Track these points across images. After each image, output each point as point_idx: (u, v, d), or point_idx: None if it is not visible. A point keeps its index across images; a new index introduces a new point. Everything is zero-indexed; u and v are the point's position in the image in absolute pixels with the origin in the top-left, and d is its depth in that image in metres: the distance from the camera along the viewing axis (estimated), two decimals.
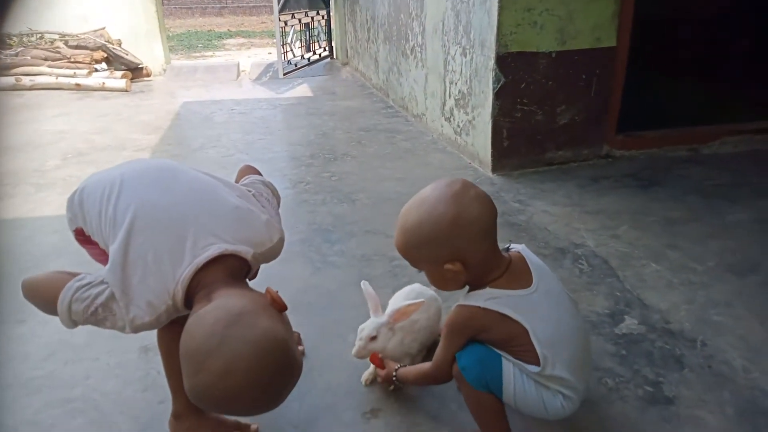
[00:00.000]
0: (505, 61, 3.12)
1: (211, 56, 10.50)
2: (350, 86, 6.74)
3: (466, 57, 3.51)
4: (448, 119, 3.96)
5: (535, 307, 1.19)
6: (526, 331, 1.16)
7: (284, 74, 6.69)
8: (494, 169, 3.33)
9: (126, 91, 6.46)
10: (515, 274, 1.20)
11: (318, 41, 7.91)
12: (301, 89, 6.57)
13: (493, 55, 3.11)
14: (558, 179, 3.26)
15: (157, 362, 1.73)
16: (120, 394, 1.62)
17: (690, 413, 1.49)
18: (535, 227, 2.65)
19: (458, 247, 1.13)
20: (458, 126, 3.77)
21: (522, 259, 1.24)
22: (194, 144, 4.34)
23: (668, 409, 1.51)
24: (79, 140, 4.47)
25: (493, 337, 1.22)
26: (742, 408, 1.50)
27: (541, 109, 3.28)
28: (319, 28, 7.93)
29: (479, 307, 1.16)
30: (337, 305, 2.06)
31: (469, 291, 1.24)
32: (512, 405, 1.25)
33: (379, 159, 3.83)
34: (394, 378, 1.50)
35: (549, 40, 3.15)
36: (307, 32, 7.46)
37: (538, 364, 1.18)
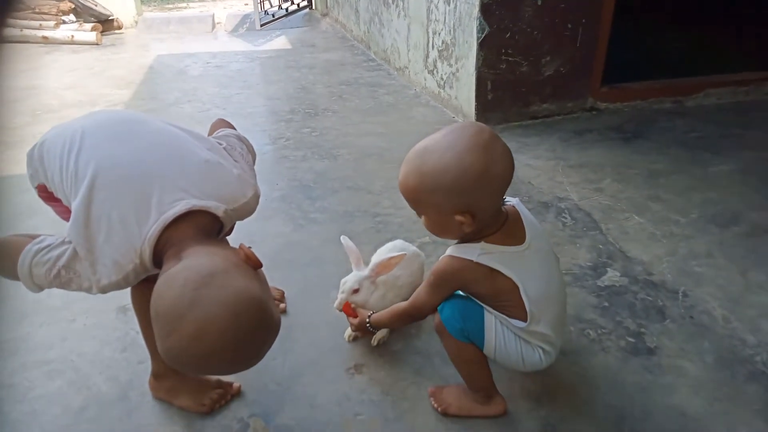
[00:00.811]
0: (489, 9, 3.02)
1: (185, 7, 10.07)
2: (330, 38, 6.54)
3: (449, 5, 3.39)
4: (431, 72, 3.86)
5: (527, 264, 1.17)
6: (517, 288, 1.16)
7: (261, 25, 6.45)
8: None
9: (96, 44, 6.19)
10: (510, 230, 1.18)
11: None
12: (280, 41, 6.35)
13: (477, 3, 3.01)
14: (542, 133, 3.21)
15: (135, 322, 1.69)
16: (98, 355, 1.59)
17: (671, 363, 1.51)
18: (519, 181, 2.62)
19: (476, 199, 1.07)
20: (441, 79, 3.68)
21: (517, 215, 1.22)
22: (169, 99, 4.19)
23: (650, 359, 1.52)
24: (49, 96, 4.29)
25: (480, 291, 1.21)
26: (721, 356, 1.52)
27: (526, 60, 3.21)
28: None
29: (472, 261, 1.13)
30: (319, 262, 2.03)
31: (460, 242, 1.20)
32: (491, 357, 1.26)
33: (360, 114, 3.74)
34: (367, 324, 1.48)
35: None
36: None
37: (524, 319, 1.18)
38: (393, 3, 4.53)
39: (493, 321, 1.22)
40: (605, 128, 3.26)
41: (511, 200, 1.25)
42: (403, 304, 1.35)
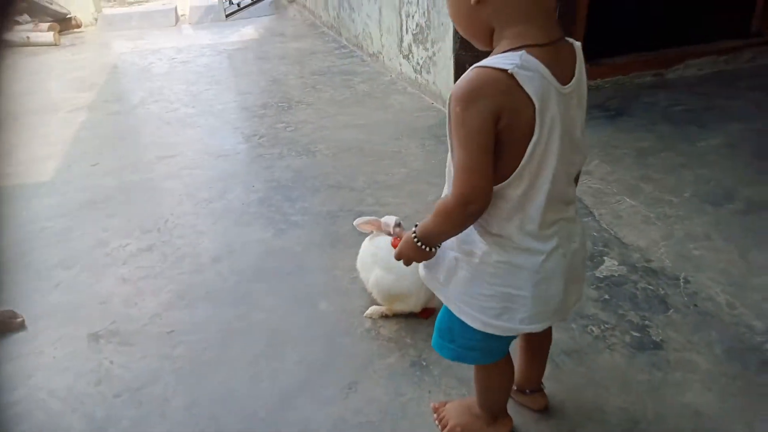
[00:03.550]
0: None
1: (147, 1, 9.73)
2: (299, 26, 6.34)
3: None
4: (406, 57, 3.73)
5: (561, 110, 0.85)
6: (530, 136, 0.83)
7: (227, 16, 6.24)
8: None
9: (55, 45, 5.91)
10: (561, 57, 0.86)
11: None
12: (247, 31, 6.15)
13: None
14: None
15: (110, 351, 1.59)
16: (71, 391, 1.47)
17: (679, 357, 1.44)
18: None
19: None
20: (418, 64, 3.56)
21: (572, 51, 0.90)
22: (134, 99, 4.00)
23: (657, 354, 1.45)
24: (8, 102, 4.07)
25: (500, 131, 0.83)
26: (730, 346, 1.46)
27: None
28: None
29: (506, 70, 0.80)
30: (303, 270, 1.92)
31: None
32: (481, 324, 1.00)
33: (336, 105, 3.61)
34: (415, 240, 0.99)
35: None
36: None
37: (505, 178, 0.87)
38: None
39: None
40: (589, 107, 3.09)
41: (571, 40, 0.92)
42: (443, 198, 0.94)
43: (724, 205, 2.10)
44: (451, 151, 0.92)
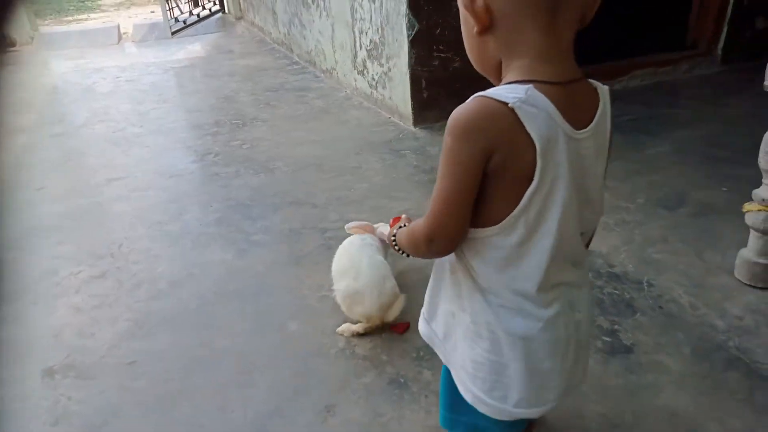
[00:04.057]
0: (417, 5, 2.93)
1: (86, 19, 9.40)
2: (248, 43, 6.27)
3: (374, 3, 3.27)
4: (361, 72, 3.73)
5: (569, 158, 0.74)
6: (528, 182, 0.74)
7: (173, 33, 6.09)
8: (416, 123, 3.19)
9: None
10: (577, 99, 0.76)
11: None
12: (194, 49, 6.03)
13: (404, 0, 2.91)
14: None
15: (66, 386, 1.48)
16: None
17: (650, 359, 1.47)
18: None
19: None
20: (373, 79, 3.57)
21: (594, 95, 0.80)
22: (77, 120, 3.83)
23: (629, 357, 1.47)
24: None
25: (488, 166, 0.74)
26: (697, 346, 1.50)
27: (458, 56, 3.14)
28: None
29: (505, 104, 0.71)
30: (269, 290, 1.86)
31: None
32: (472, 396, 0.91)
33: (291, 121, 3.56)
34: (393, 240, 0.97)
35: None
36: None
37: (497, 222, 0.78)
38: (313, 3, 4.36)
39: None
40: None
41: (596, 83, 0.82)
42: (420, 220, 0.85)
43: (677, 209, 2.18)
44: None
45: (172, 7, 6.28)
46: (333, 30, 4.07)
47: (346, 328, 1.61)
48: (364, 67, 3.65)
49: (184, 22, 6.48)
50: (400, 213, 2.24)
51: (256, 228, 2.26)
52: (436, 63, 3.09)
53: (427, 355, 1.52)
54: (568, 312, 0.84)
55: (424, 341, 1.55)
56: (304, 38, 4.85)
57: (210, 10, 7.23)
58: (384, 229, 1.63)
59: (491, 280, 0.82)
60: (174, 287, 1.90)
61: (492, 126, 0.72)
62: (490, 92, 0.73)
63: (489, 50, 0.79)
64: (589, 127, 0.76)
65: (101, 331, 1.69)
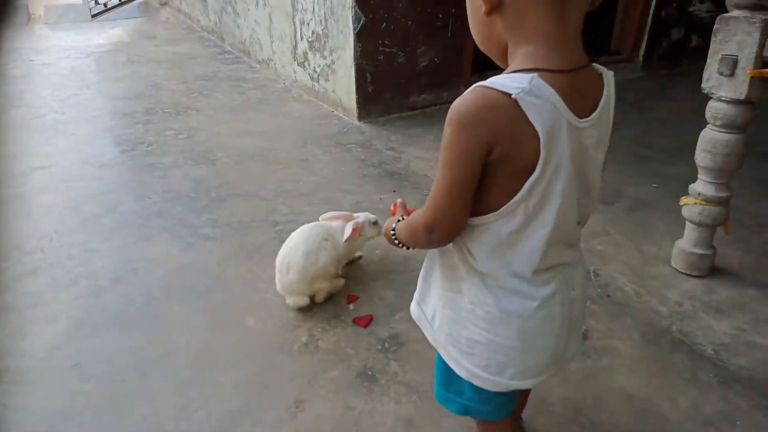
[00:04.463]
0: None
1: None
2: (174, 29, 5.98)
3: None
4: (301, 64, 3.66)
5: (572, 147, 0.74)
6: (530, 171, 0.73)
7: (93, 16, 5.69)
8: (360, 117, 3.17)
9: None
10: (582, 86, 0.75)
11: None
12: (116, 33, 5.67)
13: None
14: (424, 124, 3.20)
15: (1, 392, 1.34)
16: None
17: (604, 344, 1.54)
18: (415, 175, 2.57)
19: None
20: (315, 71, 3.51)
21: (598, 81, 0.79)
22: None
23: (585, 343, 1.54)
24: None
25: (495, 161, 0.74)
26: (644, 331, 1.59)
27: (403, 51, 3.16)
28: None
29: (508, 95, 0.69)
30: (222, 284, 1.79)
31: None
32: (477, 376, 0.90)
33: (229, 111, 3.44)
34: (392, 234, 0.95)
35: None
36: None
37: (497, 207, 0.78)
38: None
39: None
40: None
41: (602, 69, 0.81)
42: (419, 210, 0.86)
43: (614, 203, 2.31)
44: None
45: None
46: (271, 20, 3.97)
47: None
48: (305, 58, 3.59)
49: (105, 5, 6.08)
50: (352, 206, 2.24)
51: (202, 221, 2.15)
52: (382, 57, 3.09)
53: (393, 346, 1.52)
54: (564, 290, 0.85)
55: (388, 333, 1.57)
56: (238, 27, 4.69)
57: None
58: (363, 217, 1.69)
59: (489, 265, 0.82)
60: (116, 283, 1.78)
61: (493, 117, 0.71)
62: (491, 82, 0.71)
63: (496, 32, 0.77)
64: (592, 116, 0.76)
65: (38, 332, 1.55)
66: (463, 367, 0.89)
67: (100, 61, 4.67)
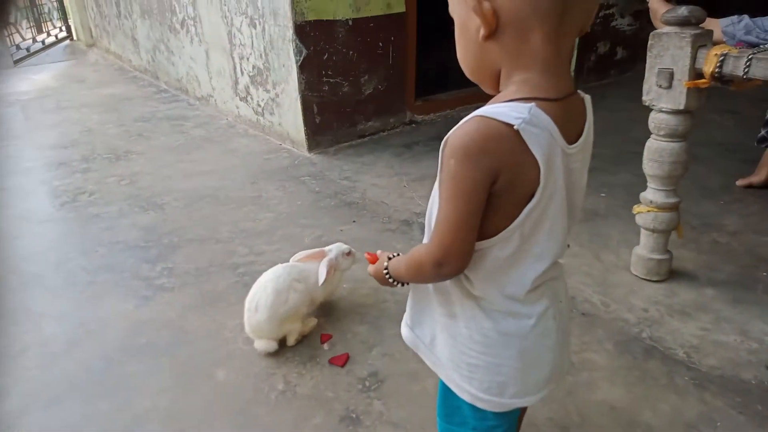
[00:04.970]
0: (303, 31, 2.91)
1: None
2: (105, 71, 5.79)
3: (255, 28, 3.20)
4: (244, 99, 3.61)
5: (564, 174, 0.76)
6: (527, 200, 0.75)
7: (15, 62, 5.43)
8: (310, 148, 3.14)
9: None
10: (570, 113, 0.77)
11: (51, 20, 6.59)
12: (42, 79, 5.43)
13: (290, 25, 2.87)
14: (374, 150, 3.21)
15: None
16: None
17: (581, 358, 1.56)
18: (372, 203, 2.55)
19: None
20: (258, 105, 3.46)
21: (582, 107, 0.81)
22: None
23: None
24: None
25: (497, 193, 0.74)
26: (617, 341, 1.62)
27: (347, 81, 3.17)
28: (49, 5, 6.60)
29: (511, 126, 0.70)
30: (186, 338, 1.70)
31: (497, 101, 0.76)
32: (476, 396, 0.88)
33: (172, 152, 3.33)
34: (385, 272, 0.92)
35: (344, 8, 3.02)
36: (35, 9, 6.15)
37: (494, 234, 0.78)
38: (183, 28, 4.15)
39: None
40: (428, 139, 3.39)
41: (582, 93, 0.83)
42: (420, 249, 0.83)
43: None
44: (436, 199, 0.81)
45: (12, 33, 5.61)
46: (208, 56, 3.90)
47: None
48: (248, 93, 3.54)
49: (27, 49, 5.82)
50: (314, 240, 2.20)
51: (156, 271, 2.05)
52: (326, 88, 3.09)
53: (373, 384, 1.48)
54: (555, 303, 0.87)
55: (367, 371, 1.53)
56: (173, 65, 4.59)
57: (56, 36, 6.58)
58: (336, 248, 1.71)
59: (485, 288, 0.82)
60: (71, 348, 1.66)
61: (498, 148, 0.71)
62: (490, 112, 0.71)
63: (490, 58, 0.76)
64: (579, 141, 0.78)
65: None
66: (465, 391, 0.88)
67: (27, 108, 4.45)
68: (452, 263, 0.78)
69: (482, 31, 0.73)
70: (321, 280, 1.61)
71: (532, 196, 0.74)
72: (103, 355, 1.63)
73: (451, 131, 0.74)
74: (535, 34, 0.72)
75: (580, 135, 0.79)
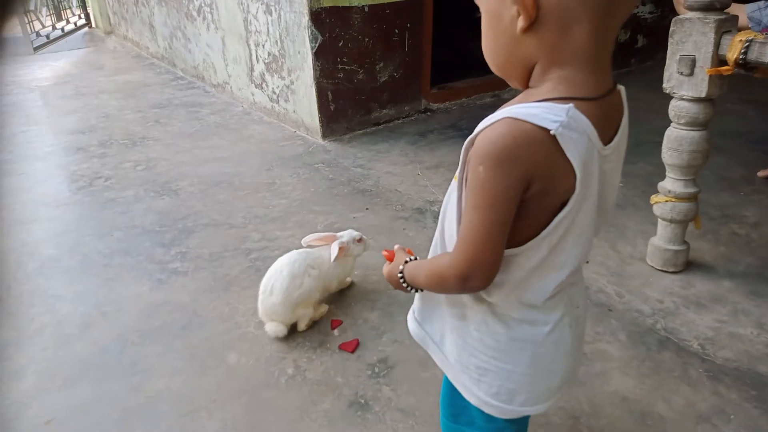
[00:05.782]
0: (319, 18, 2.89)
1: None
2: (123, 58, 5.83)
3: (271, 15, 3.19)
4: (259, 86, 3.61)
5: (600, 178, 0.71)
6: (561, 207, 0.70)
7: (35, 49, 5.49)
8: (324, 135, 3.14)
9: None
10: (608, 113, 0.71)
11: (70, 8, 6.65)
12: (61, 66, 5.48)
13: (306, 11, 2.86)
14: (389, 138, 3.19)
15: None
16: None
17: (593, 348, 1.54)
18: (386, 191, 2.55)
19: None
20: (273, 92, 3.46)
21: (620, 102, 0.75)
22: None
23: None
24: None
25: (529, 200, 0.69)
26: (631, 332, 1.60)
27: (362, 68, 3.15)
28: None
29: (548, 130, 0.64)
30: (199, 321, 1.71)
31: (528, 99, 0.69)
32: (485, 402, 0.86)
33: (188, 138, 3.35)
34: (400, 278, 0.88)
35: None
36: None
37: (521, 243, 0.73)
38: (199, 15, 4.16)
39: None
40: (443, 127, 3.36)
41: (619, 86, 0.75)
42: (444, 258, 0.78)
43: None
44: (458, 204, 0.76)
45: (32, 21, 5.67)
46: (224, 43, 3.91)
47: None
48: (263, 80, 3.54)
49: (47, 36, 5.88)
50: (326, 227, 2.20)
51: (171, 255, 2.07)
52: (341, 75, 3.08)
53: (383, 370, 1.48)
54: (571, 310, 0.83)
55: (377, 357, 1.53)
56: (190, 52, 4.61)
57: (75, 24, 6.63)
58: (347, 235, 1.72)
59: (501, 296, 0.78)
60: (86, 330, 1.68)
61: (531, 154, 0.65)
62: (522, 113, 0.64)
63: (525, 51, 0.68)
64: (614, 141, 0.72)
65: (3, 390, 1.45)
66: (473, 394, 0.85)
67: (47, 95, 4.50)
68: (479, 277, 0.72)
69: (520, 23, 0.66)
70: (333, 257, 1.62)
71: (565, 203, 0.69)
72: (118, 337, 1.65)
73: (476, 131, 0.69)
74: (580, 27, 0.65)
75: (615, 133, 0.72)
